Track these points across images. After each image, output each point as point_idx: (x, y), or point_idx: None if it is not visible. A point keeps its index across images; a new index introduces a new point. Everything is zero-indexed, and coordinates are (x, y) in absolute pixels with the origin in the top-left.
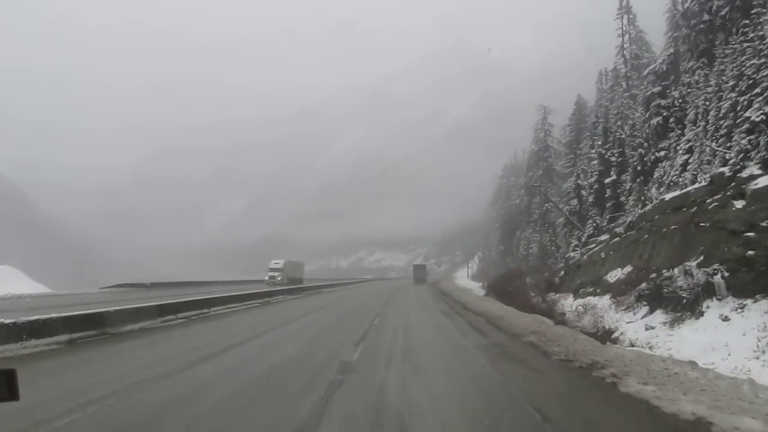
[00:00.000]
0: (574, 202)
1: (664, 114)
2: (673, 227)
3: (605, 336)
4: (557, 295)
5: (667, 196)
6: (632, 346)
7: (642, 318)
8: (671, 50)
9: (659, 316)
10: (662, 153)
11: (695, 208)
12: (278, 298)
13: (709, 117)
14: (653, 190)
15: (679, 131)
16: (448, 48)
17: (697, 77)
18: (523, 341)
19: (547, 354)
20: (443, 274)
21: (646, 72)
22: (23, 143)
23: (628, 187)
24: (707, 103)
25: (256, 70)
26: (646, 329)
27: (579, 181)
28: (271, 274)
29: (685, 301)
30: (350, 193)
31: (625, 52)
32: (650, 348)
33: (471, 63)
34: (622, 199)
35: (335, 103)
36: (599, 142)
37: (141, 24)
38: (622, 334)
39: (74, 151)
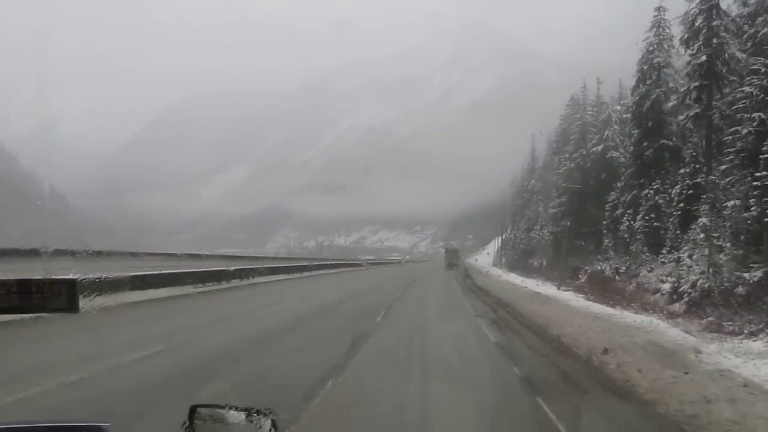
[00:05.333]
0: None
1: None
2: None
3: None
4: None
5: None
6: None
7: None
8: None
9: None
10: None
11: None
12: None
13: None
14: None
15: None
16: (464, 27)
17: None
18: None
19: None
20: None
21: None
22: (20, 106)
23: None
24: None
25: (265, 44)
26: None
27: None
28: None
29: None
30: (356, 168)
31: None
32: None
33: (488, 43)
34: None
35: (345, 78)
36: None
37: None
38: None
39: (73, 115)
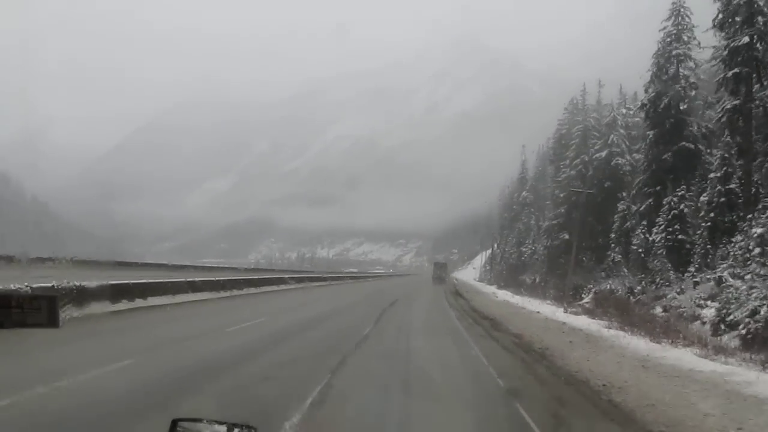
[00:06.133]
0: None
1: None
2: None
3: None
4: None
5: None
6: None
7: None
8: None
9: None
10: None
11: None
12: None
13: None
14: None
15: None
16: (453, 40)
17: None
18: None
19: None
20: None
21: None
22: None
23: None
24: None
25: (254, 53)
26: None
27: None
28: None
29: None
30: (342, 179)
31: None
32: None
33: (477, 56)
34: None
35: (332, 89)
36: None
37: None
38: None
39: (58, 120)
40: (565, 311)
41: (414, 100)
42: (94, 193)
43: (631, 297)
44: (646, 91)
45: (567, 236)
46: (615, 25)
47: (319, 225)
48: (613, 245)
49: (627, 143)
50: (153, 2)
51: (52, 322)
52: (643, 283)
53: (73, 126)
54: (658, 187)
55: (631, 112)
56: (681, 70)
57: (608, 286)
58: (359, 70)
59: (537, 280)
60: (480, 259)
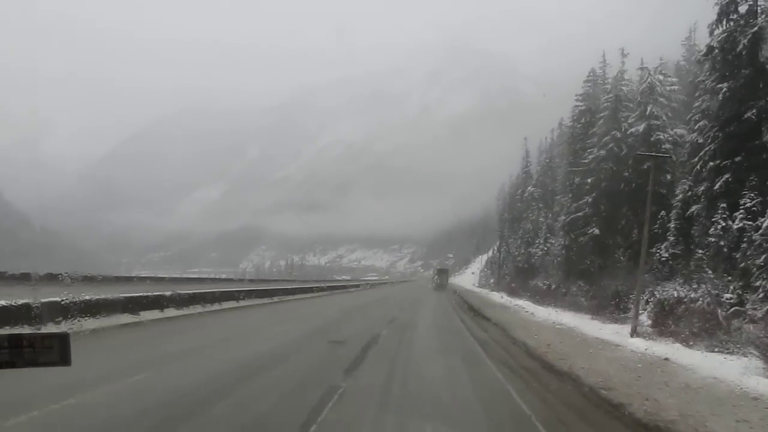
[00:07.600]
0: None
1: None
2: None
3: None
4: None
5: None
6: None
7: None
8: None
9: None
10: None
11: None
12: None
13: None
14: None
15: None
16: (444, 44)
17: None
18: None
19: None
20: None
21: None
22: None
23: None
24: None
25: (244, 61)
26: None
27: None
28: None
29: None
30: (334, 185)
31: None
32: None
33: (468, 59)
34: None
35: (323, 95)
36: None
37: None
38: None
39: (46, 133)
40: (632, 335)
41: (406, 103)
42: (83, 204)
43: (719, 309)
44: (711, 33)
45: (597, 231)
46: (609, 28)
47: (311, 232)
48: (672, 238)
49: (669, 114)
50: (142, 10)
51: (64, 360)
52: (732, 287)
53: (63, 136)
54: (738, 158)
55: (670, 80)
56: (760, 1)
57: (675, 294)
58: (350, 75)
59: (553, 285)
60: (478, 263)
